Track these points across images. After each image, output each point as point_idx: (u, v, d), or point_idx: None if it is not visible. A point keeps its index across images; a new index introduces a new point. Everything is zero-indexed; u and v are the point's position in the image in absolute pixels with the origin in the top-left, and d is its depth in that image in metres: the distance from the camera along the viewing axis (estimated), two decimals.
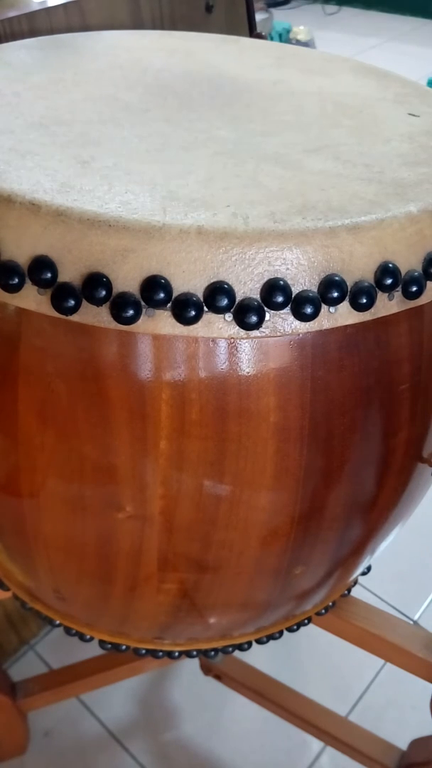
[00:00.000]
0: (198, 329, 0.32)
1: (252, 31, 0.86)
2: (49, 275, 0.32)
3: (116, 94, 0.47)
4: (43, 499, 0.41)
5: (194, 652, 0.55)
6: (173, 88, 0.49)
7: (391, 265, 0.34)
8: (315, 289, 0.32)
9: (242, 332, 0.32)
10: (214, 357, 0.34)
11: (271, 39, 2.77)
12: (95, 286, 0.31)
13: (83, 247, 0.32)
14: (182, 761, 0.88)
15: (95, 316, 0.32)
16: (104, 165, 0.37)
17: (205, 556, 0.42)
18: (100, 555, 0.42)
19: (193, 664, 0.94)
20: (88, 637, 0.55)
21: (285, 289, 0.32)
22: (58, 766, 0.88)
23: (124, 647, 0.55)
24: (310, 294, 0.32)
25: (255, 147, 0.41)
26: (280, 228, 0.32)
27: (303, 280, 0.32)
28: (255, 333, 0.32)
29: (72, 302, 0.32)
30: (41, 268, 0.32)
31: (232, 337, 0.33)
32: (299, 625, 0.57)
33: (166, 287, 0.31)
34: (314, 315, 0.32)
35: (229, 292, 0.31)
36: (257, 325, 0.32)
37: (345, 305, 0.33)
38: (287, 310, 0.32)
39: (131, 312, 0.31)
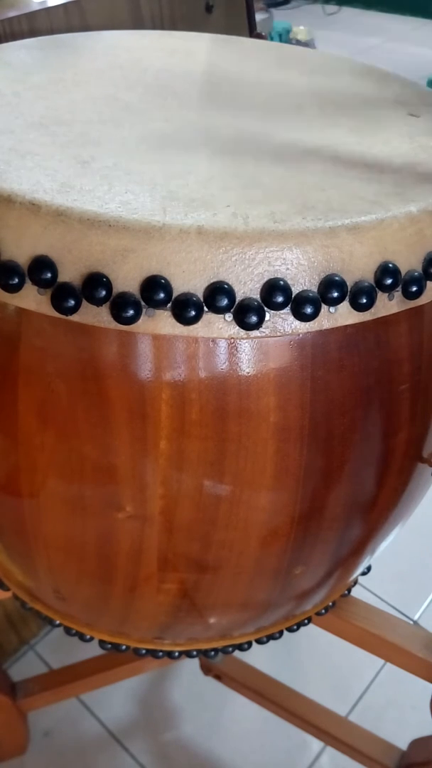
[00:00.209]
0: (198, 329, 0.32)
1: (252, 31, 0.86)
2: (49, 275, 0.32)
3: (116, 94, 0.47)
4: (43, 499, 0.41)
5: (194, 652, 0.55)
6: (173, 88, 0.49)
7: (391, 265, 0.34)
8: (315, 289, 0.32)
9: (242, 332, 0.32)
10: (214, 357, 0.34)
11: (271, 39, 2.77)
12: (95, 286, 0.31)
13: (83, 247, 0.32)
14: (182, 761, 0.88)
15: (95, 316, 0.32)
16: (104, 165, 0.37)
17: (205, 556, 0.42)
18: (100, 555, 0.42)
19: (193, 664, 0.94)
20: (88, 637, 0.55)
21: (285, 289, 0.32)
22: (58, 766, 0.88)
23: (124, 647, 0.55)
24: (310, 294, 0.32)
25: (255, 147, 0.41)
26: (280, 228, 0.32)
27: (303, 280, 0.32)
28: (255, 333, 0.32)
29: (72, 302, 0.32)
30: (41, 268, 0.32)
31: (232, 337, 0.33)
32: (299, 625, 0.57)
33: (166, 287, 0.31)
34: (314, 315, 0.32)
35: (229, 292, 0.31)
36: (257, 325, 0.32)
37: (345, 305, 0.33)
38: (287, 310, 0.32)
39: (131, 312, 0.31)
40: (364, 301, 0.33)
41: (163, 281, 0.31)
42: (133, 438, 0.36)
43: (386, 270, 0.33)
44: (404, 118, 0.46)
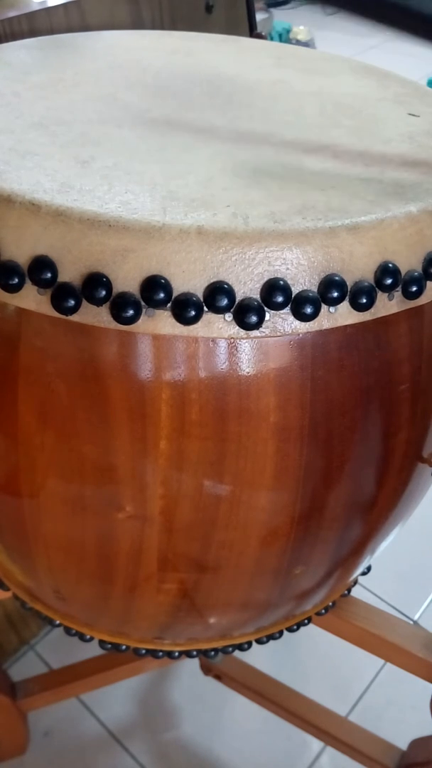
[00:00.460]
0: (198, 329, 0.32)
1: (252, 31, 0.86)
2: (49, 275, 0.32)
3: (116, 94, 0.47)
4: (43, 499, 0.41)
5: (194, 652, 0.55)
6: (173, 88, 0.49)
7: (391, 265, 0.34)
8: (315, 289, 0.32)
9: (242, 332, 0.32)
10: (214, 357, 0.34)
11: (271, 39, 2.77)
12: (95, 286, 0.31)
13: (83, 247, 0.32)
14: (182, 761, 0.88)
15: (95, 316, 0.32)
16: (104, 165, 0.37)
17: (205, 556, 0.42)
18: (100, 555, 0.42)
19: (193, 664, 0.94)
20: (88, 637, 0.55)
21: (285, 289, 0.32)
22: (58, 766, 0.88)
23: (124, 647, 0.55)
24: (310, 294, 0.32)
25: (255, 147, 0.41)
26: (280, 228, 0.32)
27: (303, 280, 0.32)
28: (255, 333, 0.32)
29: (72, 302, 0.32)
30: (41, 268, 0.32)
31: (232, 337, 0.33)
32: (299, 625, 0.57)
33: (166, 287, 0.31)
34: (314, 315, 0.32)
35: (229, 292, 0.31)
36: (257, 325, 0.32)
37: (345, 305, 0.33)
38: (287, 310, 0.32)
39: (131, 312, 0.31)
40: (364, 301, 0.33)
41: (163, 281, 0.31)
42: (133, 438, 0.36)
43: (386, 270, 0.33)
44: (404, 118, 0.46)
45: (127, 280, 0.31)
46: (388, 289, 0.34)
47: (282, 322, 0.33)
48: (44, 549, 0.44)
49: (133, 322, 0.32)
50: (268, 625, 0.55)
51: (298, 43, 2.86)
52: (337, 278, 0.32)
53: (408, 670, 0.62)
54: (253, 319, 0.32)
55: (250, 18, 0.85)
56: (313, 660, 0.98)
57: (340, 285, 0.32)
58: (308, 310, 0.32)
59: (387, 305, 0.34)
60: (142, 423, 0.36)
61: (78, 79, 0.48)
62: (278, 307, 0.32)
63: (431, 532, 1.07)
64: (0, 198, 0.33)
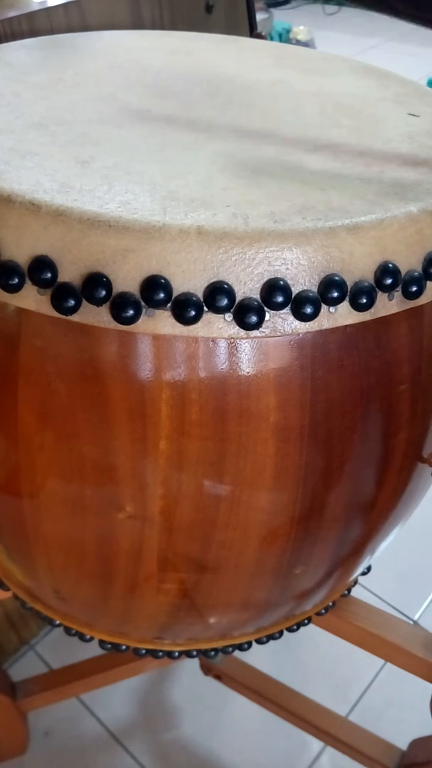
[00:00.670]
0: (198, 329, 0.32)
1: (252, 31, 0.86)
2: (49, 275, 0.32)
3: (116, 94, 0.47)
4: (43, 499, 0.41)
5: (194, 652, 0.55)
6: (173, 88, 0.49)
7: (391, 265, 0.34)
8: (315, 289, 0.32)
9: (242, 332, 0.32)
10: (214, 357, 0.34)
11: (271, 39, 2.77)
12: (95, 286, 0.31)
13: (83, 247, 0.32)
14: (182, 761, 0.88)
15: (95, 316, 0.32)
16: (104, 165, 0.37)
17: (205, 556, 0.42)
18: (100, 555, 0.42)
19: (193, 664, 0.94)
20: (88, 637, 0.55)
21: (285, 289, 0.32)
22: (58, 766, 0.88)
23: (124, 647, 0.55)
24: (310, 294, 0.32)
25: (255, 147, 0.41)
26: (280, 228, 0.32)
27: (303, 280, 0.32)
28: (255, 333, 0.32)
29: (72, 302, 0.32)
30: (41, 268, 0.32)
31: (232, 337, 0.33)
32: (299, 625, 0.57)
33: (166, 287, 0.31)
34: (314, 315, 0.32)
35: (229, 292, 0.31)
36: (257, 325, 0.32)
37: (345, 305, 0.33)
38: (287, 310, 0.32)
39: (131, 312, 0.31)
40: (364, 301, 0.33)
41: (163, 281, 0.31)
42: (133, 438, 0.36)
43: (386, 270, 0.33)
44: (404, 118, 0.46)
45: (127, 280, 0.31)
46: (388, 289, 0.34)
47: (282, 322, 0.33)
48: (44, 549, 0.44)
49: (133, 322, 0.32)
50: (268, 625, 0.55)
51: (298, 43, 2.86)
52: (337, 278, 0.32)
53: (408, 670, 0.62)
54: (253, 319, 0.32)
55: (250, 18, 0.85)
56: (313, 660, 0.98)
57: (340, 285, 0.32)
58: (308, 310, 0.32)
59: (387, 305, 0.34)
60: (142, 423, 0.36)
61: (78, 79, 0.48)
62: (278, 307, 0.32)
63: (431, 532, 1.07)
64: (0, 198, 0.33)
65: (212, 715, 0.92)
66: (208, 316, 0.32)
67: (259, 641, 0.55)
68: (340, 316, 0.33)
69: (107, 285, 0.31)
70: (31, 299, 0.33)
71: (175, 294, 0.31)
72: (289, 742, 0.90)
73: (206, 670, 0.86)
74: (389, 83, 0.52)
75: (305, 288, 0.32)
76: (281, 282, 0.32)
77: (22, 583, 0.55)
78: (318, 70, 0.54)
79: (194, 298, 0.31)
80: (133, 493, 0.38)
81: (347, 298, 0.33)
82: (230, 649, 0.55)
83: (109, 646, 0.55)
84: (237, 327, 0.32)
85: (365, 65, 0.55)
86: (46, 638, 1.00)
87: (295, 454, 0.38)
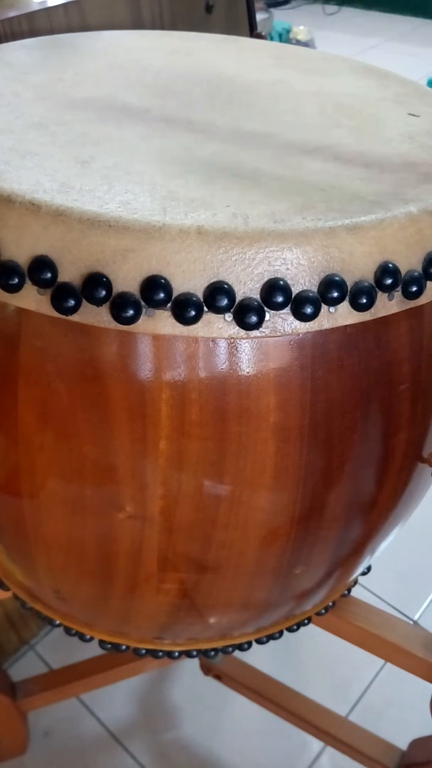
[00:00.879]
0: (198, 329, 0.32)
1: (252, 31, 0.86)
2: (49, 275, 0.32)
3: (116, 93, 0.47)
4: (43, 499, 0.41)
5: (194, 652, 0.55)
6: (173, 88, 0.49)
7: (391, 265, 0.34)
8: (315, 289, 0.32)
9: (242, 332, 0.32)
10: (214, 357, 0.34)
11: (271, 39, 2.77)
12: (95, 286, 0.31)
13: (83, 247, 0.32)
14: (182, 761, 0.88)
15: (95, 316, 0.32)
16: (104, 165, 0.37)
17: (205, 556, 0.42)
18: (100, 555, 0.42)
19: (193, 664, 0.94)
20: (88, 637, 0.55)
21: (285, 289, 0.32)
22: (58, 766, 0.88)
23: (124, 647, 0.55)
24: (310, 294, 0.32)
25: (255, 147, 0.41)
26: (280, 228, 0.32)
27: (303, 280, 0.32)
28: (255, 333, 0.32)
29: (72, 302, 0.32)
30: (41, 268, 0.32)
31: (232, 337, 0.33)
32: (299, 625, 0.57)
33: (166, 287, 0.31)
34: (314, 315, 0.32)
35: (229, 292, 0.31)
36: (257, 325, 0.32)
37: (345, 305, 0.33)
38: (287, 310, 0.32)
39: (131, 312, 0.31)
40: (364, 301, 0.33)
41: (163, 281, 0.31)
42: (133, 438, 0.36)
43: (386, 270, 0.33)
44: (404, 118, 0.46)
45: (127, 280, 0.31)
46: (388, 289, 0.34)
47: (282, 322, 0.33)
48: (44, 549, 0.44)
49: (133, 322, 0.32)
50: (268, 625, 0.55)
51: (298, 43, 2.86)
52: (337, 278, 0.32)
53: (408, 670, 0.62)
54: (253, 319, 0.32)
55: (250, 18, 0.85)
56: (313, 660, 0.98)
57: (340, 285, 0.32)
58: (308, 310, 0.32)
59: (387, 305, 0.34)
60: (142, 423, 0.36)
61: (78, 79, 0.48)
62: (278, 307, 0.32)
63: (431, 532, 1.07)
64: (0, 198, 0.33)
65: (212, 715, 0.92)
66: (208, 316, 0.32)
67: (259, 641, 0.55)
68: (340, 316, 0.33)
69: (107, 285, 0.31)
70: (31, 299, 0.33)
71: (175, 294, 0.31)
72: (289, 742, 0.90)
73: (206, 670, 0.86)
74: (389, 83, 0.52)
75: (305, 288, 0.32)
76: (281, 282, 0.32)
77: (22, 583, 0.55)
78: (318, 70, 0.54)
79: (194, 298, 0.31)
80: (133, 493, 0.38)
81: (347, 298, 0.33)
82: (230, 649, 0.55)
83: (109, 646, 0.55)
84: (237, 327, 0.32)
85: (365, 65, 0.55)
86: (46, 638, 1.00)
87: (295, 454, 0.38)
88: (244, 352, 0.34)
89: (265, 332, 0.33)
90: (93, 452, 0.37)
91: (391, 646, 0.60)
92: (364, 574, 0.60)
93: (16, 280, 0.33)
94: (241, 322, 0.32)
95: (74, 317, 0.32)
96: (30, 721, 0.90)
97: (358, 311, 0.33)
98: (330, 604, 0.58)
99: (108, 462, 0.37)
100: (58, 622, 0.55)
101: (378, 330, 0.37)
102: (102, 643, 0.55)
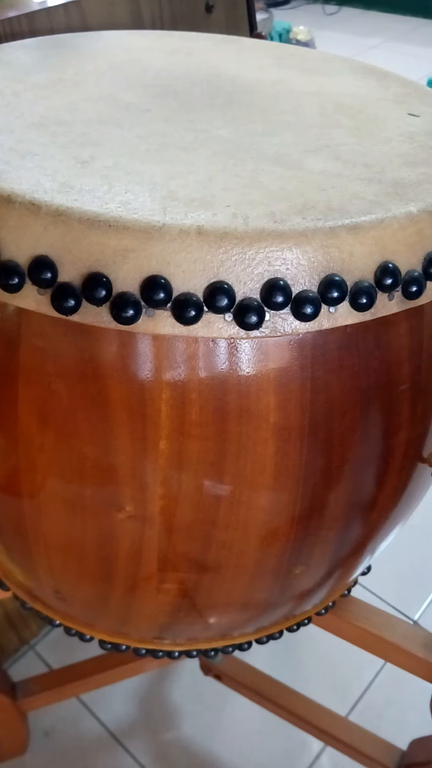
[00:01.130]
0: (198, 329, 0.32)
1: (252, 31, 0.86)
2: (49, 275, 0.32)
3: (116, 94, 0.47)
4: (43, 499, 0.41)
5: (194, 652, 0.55)
6: (173, 88, 0.49)
7: (391, 265, 0.34)
8: (315, 289, 0.32)
9: (242, 332, 0.32)
10: (214, 357, 0.34)
11: (271, 39, 2.77)
12: (95, 286, 0.31)
13: (83, 247, 0.32)
14: (182, 761, 0.88)
15: (95, 316, 0.32)
16: (104, 165, 0.37)
17: (205, 556, 0.42)
18: (100, 555, 0.42)
19: (193, 664, 0.94)
20: (88, 637, 0.55)
21: (285, 289, 0.32)
22: (58, 766, 0.88)
23: (124, 647, 0.55)
24: (310, 294, 0.32)
25: (255, 147, 0.41)
26: (280, 228, 0.32)
27: (303, 280, 0.32)
28: (255, 333, 0.32)
29: (72, 302, 0.32)
30: (41, 268, 0.32)
31: (232, 337, 0.33)
32: (299, 625, 0.57)
33: (166, 287, 0.31)
34: (314, 315, 0.32)
35: (229, 292, 0.31)
36: (257, 325, 0.32)
37: (345, 305, 0.33)
38: (287, 310, 0.32)
39: (131, 312, 0.31)
40: (364, 301, 0.33)
41: (163, 281, 0.31)
42: (133, 438, 0.36)
43: (386, 270, 0.33)
44: (404, 118, 0.46)
45: (127, 280, 0.31)
46: (388, 289, 0.34)
47: (282, 322, 0.33)
48: (44, 549, 0.44)
49: (133, 322, 0.32)
50: (268, 625, 0.55)
51: (298, 43, 2.86)
52: (337, 278, 0.32)
53: (408, 670, 0.62)
54: (253, 319, 0.32)
55: (250, 18, 0.85)
56: (313, 660, 0.98)
57: (340, 285, 0.32)
58: (308, 310, 0.32)
59: (387, 305, 0.34)
60: (142, 423, 0.36)
61: (78, 79, 0.48)
62: (278, 307, 0.32)
63: (431, 532, 1.07)
64: (0, 198, 0.33)
65: (212, 715, 0.92)
66: (208, 316, 0.32)
67: (259, 641, 0.55)
68: (340, 316, 0.33)
69: (107, 285, 0.31)
70: (31, 299, 0.33)
71: (175, 294, 0.31)
72: (289, 742, 0.90)
73: (206, 670, 0.87)
74: (389, 83, 0.52)
75: (305, 288, 0.32)
76: (281, 282, 0.32)
77: (22, 583, 0.55)
78: (318, 70, 0.54)
79: (194, 298, 0.31)
80: (133, 493, 0.38)
81: (347, 298, 0.33)
82: (230, 649, 0.55)
83: (109, 646, 0.55)
84: (237, 327, 0.32)
85: (365, 65, 0.55)
86: (46, 638, 1.00)
87: (295, 454, 0.38)
88: (244, 352, 0.34)
89: (265, 332, 0.33)
90: (93, 452, 0.37)
91: (391, 646, 0.60)
92: (364, 574, 0.60)
93: (16, 280, 0.33)
94: (241, 322, 0.32)
95: (74, 317, 0.32)
96: (30, 721, 0.90)
97: (358, 311, 0.33)
98: (330, 604, 0.58)
99: (108, 462, 0.37)
100: (58, 622, 0.55)
101: (378, 330, 0.37)
102: (102, 643, 0.55)
